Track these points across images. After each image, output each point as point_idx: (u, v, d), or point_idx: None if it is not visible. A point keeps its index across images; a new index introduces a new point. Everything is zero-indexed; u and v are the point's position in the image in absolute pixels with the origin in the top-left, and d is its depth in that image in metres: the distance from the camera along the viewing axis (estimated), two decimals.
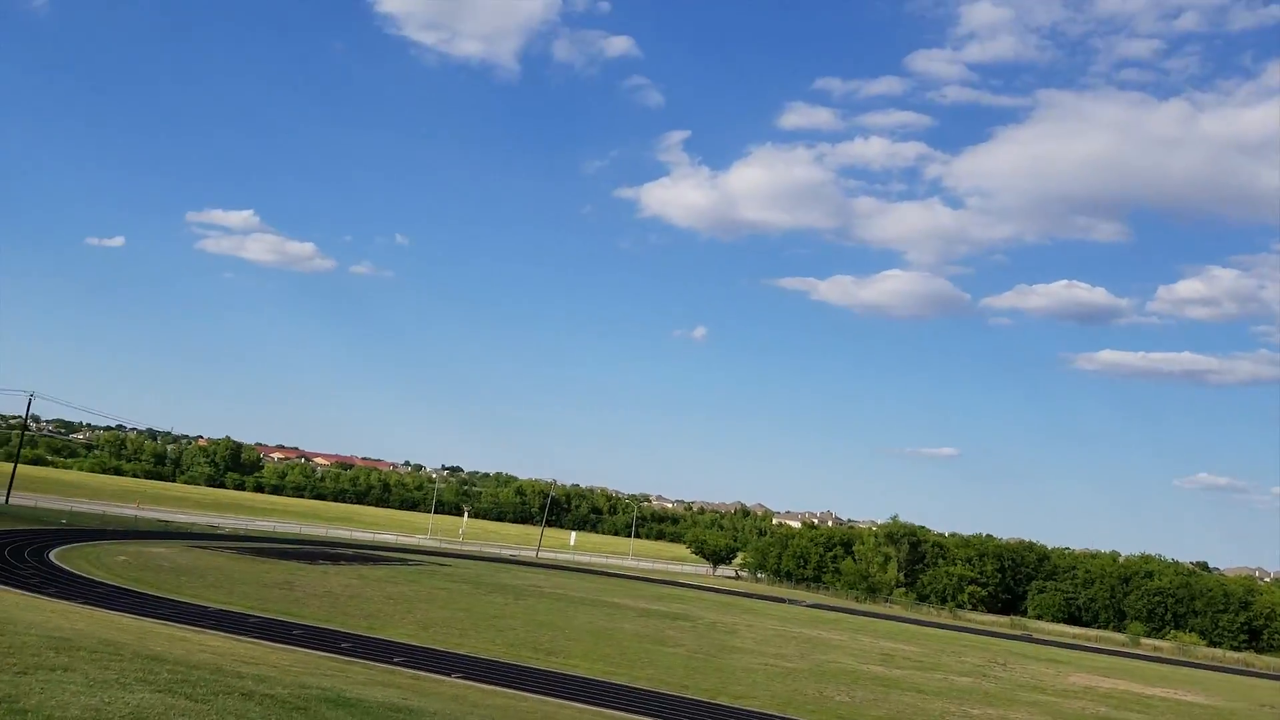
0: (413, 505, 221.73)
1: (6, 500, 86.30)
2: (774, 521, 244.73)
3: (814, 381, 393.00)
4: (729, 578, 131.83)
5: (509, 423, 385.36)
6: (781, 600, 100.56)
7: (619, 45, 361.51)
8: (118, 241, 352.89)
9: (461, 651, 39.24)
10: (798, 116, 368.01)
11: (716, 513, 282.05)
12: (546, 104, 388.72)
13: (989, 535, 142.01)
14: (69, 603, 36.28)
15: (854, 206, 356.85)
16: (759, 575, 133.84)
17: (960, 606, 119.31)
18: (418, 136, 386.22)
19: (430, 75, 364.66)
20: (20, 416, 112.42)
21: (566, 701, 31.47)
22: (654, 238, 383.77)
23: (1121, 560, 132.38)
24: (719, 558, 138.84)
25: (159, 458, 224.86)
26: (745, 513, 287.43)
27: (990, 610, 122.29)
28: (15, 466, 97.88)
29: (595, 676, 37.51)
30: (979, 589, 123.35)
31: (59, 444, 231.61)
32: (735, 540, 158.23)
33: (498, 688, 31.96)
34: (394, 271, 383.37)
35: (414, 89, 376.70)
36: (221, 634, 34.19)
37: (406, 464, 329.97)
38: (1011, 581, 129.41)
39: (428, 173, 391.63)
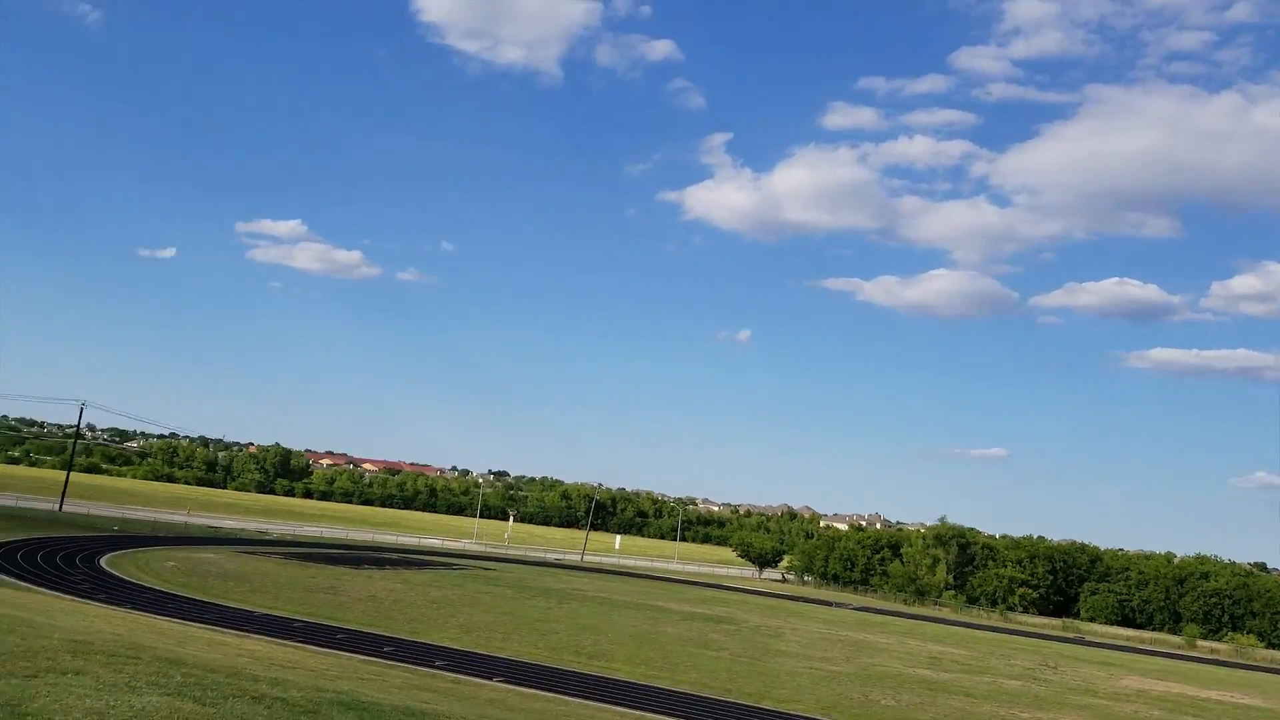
0: (459, 510, 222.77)
1: (60, 508, 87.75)
2: (821, 524, 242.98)
3: (860, 382, 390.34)
4: (775, 580, 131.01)
5: (555, 427, 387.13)
6: (828, 603, 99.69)
7: (661, 49, 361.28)
8: (169, 252, 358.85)
9: (503, 655, 39.17)
10: (841, 116, 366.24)
11: (763, 515, 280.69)
12: (589, 109, 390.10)
13: (1040, 536, 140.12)
14: (115, 608, 36.66)
15: (898, 206, 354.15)
16: (805, 578, 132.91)
17: (1011, 609, 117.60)
18: (462, 144, 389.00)
19: (473, 83, 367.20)
20: (74, 425, 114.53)
21: (607, 705, 31.26)
22: (698, 240, 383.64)
23: (1176, 561, 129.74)
24: (765, 560, 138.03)
25: (210, 465, 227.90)
26: (792, 515, 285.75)
27: (1042, 613, 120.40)
28: (69, 474, 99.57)
29: (637, 680, 37.26)
30: (1030, 591, 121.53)
31: (113, 452, 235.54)
32: (781, 543, 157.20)
33: (538, 691, 31.83)
34: (439, 277, 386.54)
35: (457, 97, 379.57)
36: (265, 638, 34.36)
37: (453, 469, 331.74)
38: (1063, 583, 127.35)
39: (472, 179, 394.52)
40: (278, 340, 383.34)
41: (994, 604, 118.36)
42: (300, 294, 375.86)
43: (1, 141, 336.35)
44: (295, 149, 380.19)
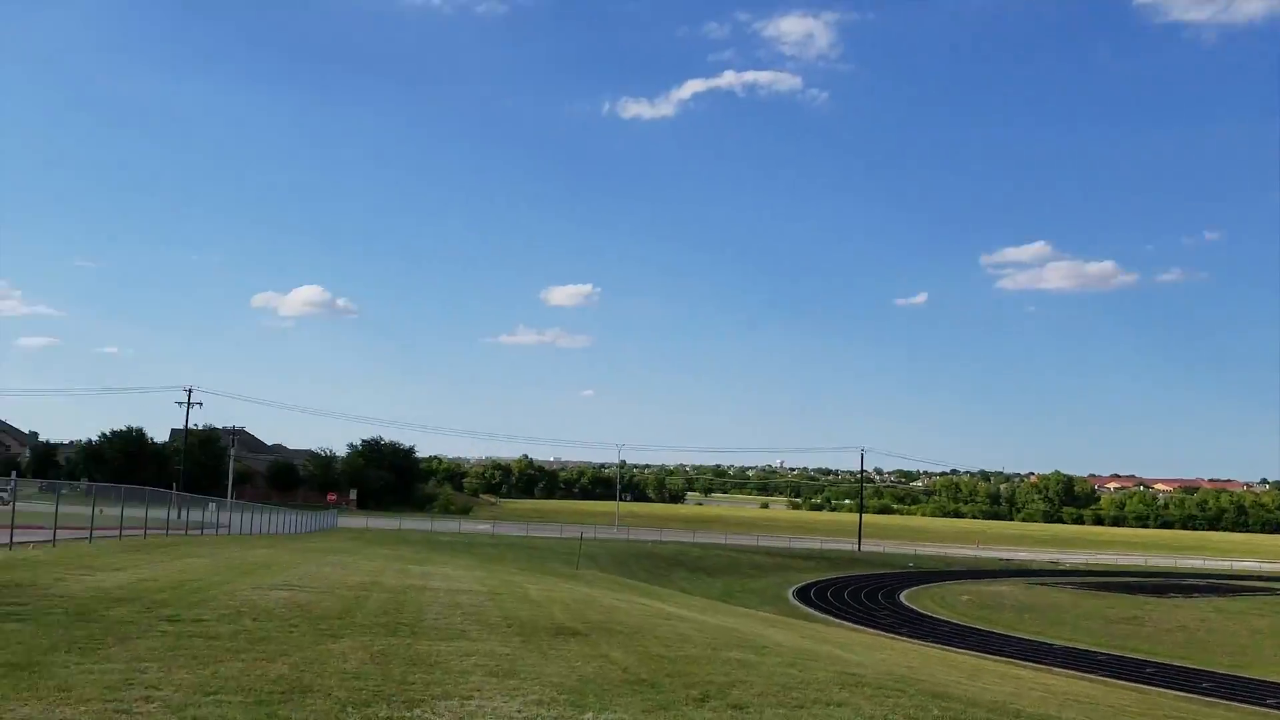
0: (1276, 528, 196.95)
1: (859, 547, 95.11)
2: None
3: None
4: None
5: None
6: None
7: None
8: (921, 298, 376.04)
9: None
10: None
11: None
12: None
13: None
14: (913, 641, 38.01)
15: None
16: None
17: None
18: (1207, 120, 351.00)
19: (1209, 53, 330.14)
20: (860, 470, 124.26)
21: None
22: None
23: None
24: None
25: (993, 498, 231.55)
26: None
27: None
28: (861, 516, 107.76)
29: None
30: None
31: (900, 492, 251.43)
32: None
33: None
34: (1209, 273, 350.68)
35: (1188, 71, 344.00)
36: (1064, 671, 32.88)
37: (1263, 482, 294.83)
38: None
39: (1232, 159, 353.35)
40: (1040, 366, 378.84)
41: None
42: (1056, 315, 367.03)
43: (763, 226, 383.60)
44: (1029, 171, 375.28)
